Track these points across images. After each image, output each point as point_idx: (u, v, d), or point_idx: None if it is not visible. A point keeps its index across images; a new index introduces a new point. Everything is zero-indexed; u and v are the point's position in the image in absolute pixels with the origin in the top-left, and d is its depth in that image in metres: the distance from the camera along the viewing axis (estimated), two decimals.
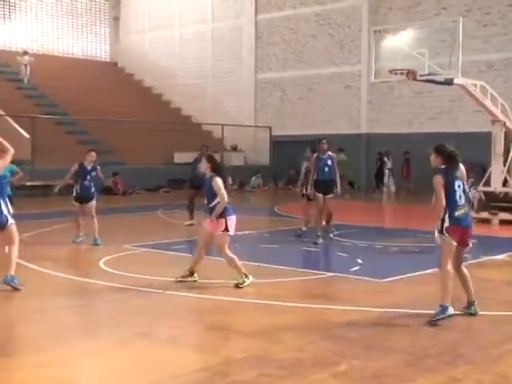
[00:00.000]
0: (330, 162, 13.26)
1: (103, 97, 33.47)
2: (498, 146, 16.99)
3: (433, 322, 7.22)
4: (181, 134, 32.21)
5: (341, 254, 12.21)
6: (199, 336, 6.99)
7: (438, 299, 7.49)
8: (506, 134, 17.33)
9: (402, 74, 15.88)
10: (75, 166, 13.32)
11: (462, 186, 7.58)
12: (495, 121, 17.15)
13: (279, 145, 32.55)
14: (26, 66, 32.66)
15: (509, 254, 12.00)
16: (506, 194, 16.71)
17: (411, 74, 15.67)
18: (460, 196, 7.52)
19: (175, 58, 37.50)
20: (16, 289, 8.64)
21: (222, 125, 33.13)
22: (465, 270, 7.72)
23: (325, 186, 13.28)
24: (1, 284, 8.65)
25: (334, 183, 13.32)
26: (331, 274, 10.16)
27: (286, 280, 9.78)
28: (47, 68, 33.91)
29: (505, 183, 17.00)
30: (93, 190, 13.28)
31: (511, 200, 16.48)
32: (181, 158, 30.93)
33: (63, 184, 13.81)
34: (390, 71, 16.28)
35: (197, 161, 16.41)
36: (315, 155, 13.47)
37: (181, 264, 11.03)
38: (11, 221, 8.79)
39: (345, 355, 6.22)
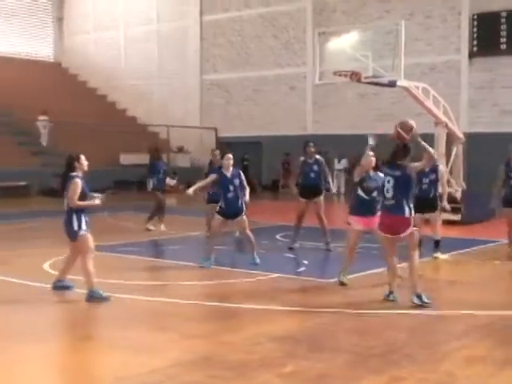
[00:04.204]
0: (316, 168, 12.67)
1: (47, 98, 32.87)
2: (441, 147, 17.30)
3: None
4: (127, 135, 31.90)
5: (287, 254, 12.27)
6: (146, 338, 6.93)
7: (381, 299, 7.62)
8: (448, 136, 17.66)
9: (345, 75, 16.03)
10: (212, 177, 11.28)
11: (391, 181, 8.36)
12: (437, 122, 17.46)
13: (226, 146, 32.52)
14: (45, 127, 29.15)
15: (452, 253, 12.23)
16: (449, 194, 17.00)
17: (355, 76, 15.82)
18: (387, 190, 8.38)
19: (120, 59, 37.13)
20: (104, 299, 8.38)
21: (168, 126, 32.95)
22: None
23: (309, 191, 12.70)
24: (86, 301, 8.39)
25: (319, 188, 12.71)
26: (277, 275, 10.18)
27: (232, 281, 9.78)
28: None
29: (447, 184, 17.30)
30: (240, 202, 11.00)
31: (454, 200, 16.78)
32: (127, 159, 30.64)
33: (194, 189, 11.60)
34: (334, 73, 16.41)
35: (158, 162, 16.06)
36: (302, 159, 12.80)
37: (128, 266, 10.96)
38: (82, 232, 8.55)
39: (292, 356, 6.25)
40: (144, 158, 31.43)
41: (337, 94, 29.27)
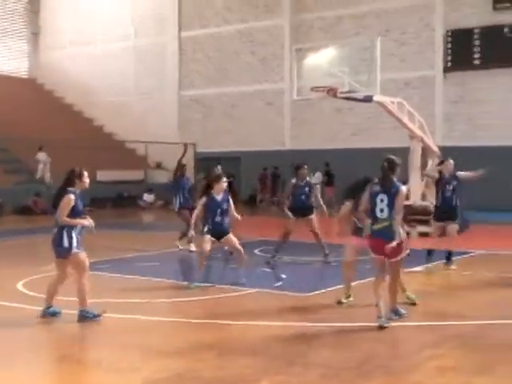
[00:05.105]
0: (307, 190, 12.76)
1: (22, 114, 32.68)
2: (416, 161, 17.44)
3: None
4: (103, 151, 31.77)
5: (265, 269, 12.26)
6: (119, 357, 6.87)
7: (358, 311, 7.63)
8: (424, 149, 17.80)
9: (322, 91, 16.13)
10: (203, 200, 10.75)
11: (385, 200, 7.76)
12: (412, 136, 17.61)
13: (204, 162, 32.49)
14: (44, 164, 28.46)
15: (426, 265, 12.28)
16: (423, 206, 17.12)
17: (331, 92, 15.93)
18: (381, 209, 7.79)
19: (97, 75, 36.98)
20: (96, 316, 8.18)
21: (146, 142, 32.88)
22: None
23: (301, 211, 12.72)
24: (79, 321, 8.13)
25: (310, 208, 12.81)
26: (255, 290, 10.17)
27: (210, 297, 9.75)
28: None
29: (423, 197, 17.45)
30: (226, 224, 10.82)
31: (429, 213, 16.89)
32: (104, 176, 30.52)
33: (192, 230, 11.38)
34: (312, 89, 16.50)
35: (181, 179, 15.40)
36: (293, 181, 12.82)
37: (102, 284, 10.87)
38: (75, 250, 8.26)
39: (266, 371, 6.23)
40: (120, 175, 31.46)
41: (314, 110, 29.43)
